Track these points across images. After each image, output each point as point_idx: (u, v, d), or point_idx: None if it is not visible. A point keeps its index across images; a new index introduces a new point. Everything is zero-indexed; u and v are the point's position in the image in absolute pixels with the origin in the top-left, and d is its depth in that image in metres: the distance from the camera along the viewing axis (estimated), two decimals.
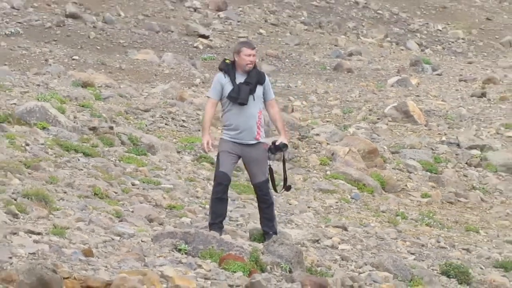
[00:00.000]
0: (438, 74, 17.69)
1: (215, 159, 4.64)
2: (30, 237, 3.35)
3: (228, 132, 4.34)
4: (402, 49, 20.90)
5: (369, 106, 13.35)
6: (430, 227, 7.25)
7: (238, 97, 4.20)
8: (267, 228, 4.41)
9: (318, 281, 3.50)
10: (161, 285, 2.84)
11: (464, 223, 7.87)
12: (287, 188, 4.70)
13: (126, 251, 3.54)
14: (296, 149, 9.23)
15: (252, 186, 4.72)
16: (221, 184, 4.34)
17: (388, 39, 21.33)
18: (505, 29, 23.26)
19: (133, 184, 6.17)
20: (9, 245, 3.03)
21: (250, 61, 4.29)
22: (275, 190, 4.61)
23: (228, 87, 4.24)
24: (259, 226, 4.61)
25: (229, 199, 4.66)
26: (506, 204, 9.05)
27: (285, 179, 4.64)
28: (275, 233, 4.38)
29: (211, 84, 4.60)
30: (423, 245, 6.14)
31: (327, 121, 12.15)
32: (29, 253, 2.94)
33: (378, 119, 12.33)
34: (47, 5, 18.89)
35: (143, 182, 6.31)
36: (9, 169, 5.14)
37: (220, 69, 4.39)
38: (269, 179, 4.42)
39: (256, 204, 4.81)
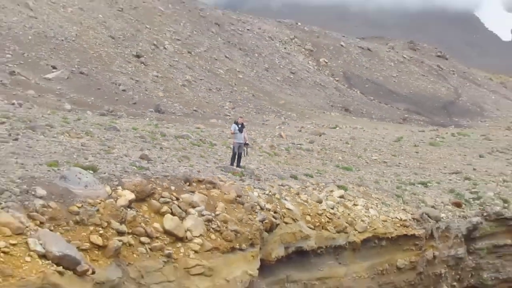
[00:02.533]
0: None
1: (232, 147, 13.96)
2: None
3: (235, 140, 13.53)
4: None
5: None
6: None
7: (239, 130, 13.52)
8: (239, 163, 13.35)
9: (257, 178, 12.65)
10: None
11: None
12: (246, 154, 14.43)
13: None
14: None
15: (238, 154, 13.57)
16: (235, 153, 13.36)
17: None
18: None
19: None
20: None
21: (241, 121, 13.85)
22: (244, 155, 13.93)
23: (236, 128, 13.35)
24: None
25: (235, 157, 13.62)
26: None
27: (239, 155, 13.65)
28: (240, 167, 13.34)
29: (231, 126, 14.23)
30: None
31: None
32: None
33: None
34: None
35: None
36: None
37: (234, 122, 13.90)
38: (244, 153, 13.86)
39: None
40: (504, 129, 32.92)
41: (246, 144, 13.34)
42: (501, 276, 14.46)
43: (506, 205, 14.79)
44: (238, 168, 12.61)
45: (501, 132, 31.43)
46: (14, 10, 30.07)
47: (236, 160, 12.91)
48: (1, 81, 21.49)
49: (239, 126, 12.88)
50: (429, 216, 13.77)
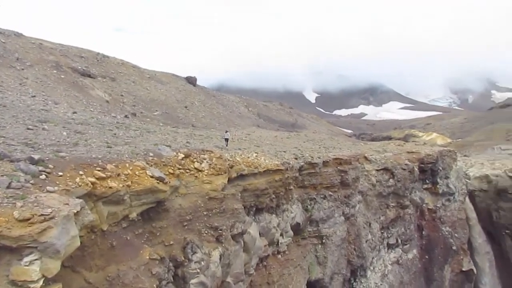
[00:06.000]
0: None
1: (224, 139, 33.70)
2: None
3: (225, 136, 33.83)
4: None
5: None
6: None
7: (226, 132, 32.88)
8: (226, 145, 31.81)
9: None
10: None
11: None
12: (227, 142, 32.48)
13: None
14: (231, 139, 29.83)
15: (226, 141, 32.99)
16: (227, 139, 32.61)
17: None
18: None
19: None
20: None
21: (227, 130, 33.04)
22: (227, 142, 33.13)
23: (226, 132, 35.40)
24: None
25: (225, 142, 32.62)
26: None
27: (227, 140, 32.70)
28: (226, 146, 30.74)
29: (225, 133, 36.83)
30: None
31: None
32: None
33: None
34: None
35: None
36: None
37: (225, 131, 36.18)
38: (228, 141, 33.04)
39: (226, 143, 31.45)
40: (312, 133, 69.15)
41: (227, 140, 31.93)
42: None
43: (311, 157, 33.78)
44: (226, 147, 29.90)
45: (311, 134, 65.27)
46: None
47: (226, 143, 30.99)
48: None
49: (226, 132, 32.51)
50: (287, 162, 31.62)
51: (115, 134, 28.00)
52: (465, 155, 72.72)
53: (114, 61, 72.59)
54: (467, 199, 56.65)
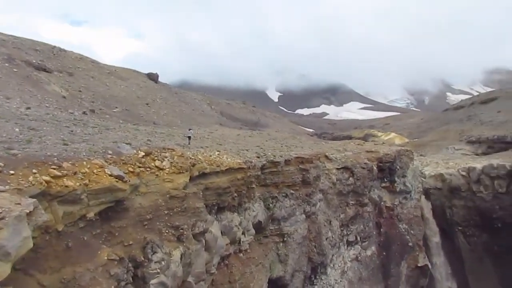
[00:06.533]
0: None
1: (187, 136, 31.92)
2: None
3: (189, 134, 32.26)
4: None
5: None
6: None
7: (190, 131, 31.40)
8: (189, 143, 30.61)
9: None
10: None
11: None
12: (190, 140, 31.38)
13: None
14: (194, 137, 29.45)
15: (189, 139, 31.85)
16: (190, 137, 31.15)
17: None
18: None
19: None
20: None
21: (190, 128, 31.28)
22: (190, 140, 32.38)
23: (190, 130, 34.46)
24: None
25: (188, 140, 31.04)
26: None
27: (190, 138, 31.07)
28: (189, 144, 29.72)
29: (188, 130, 35.08)
30: None
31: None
32: None
33: None
34: None
35: None
36: None
37: (189, 129, 34.83)
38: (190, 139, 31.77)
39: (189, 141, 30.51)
40: (274, 132, 69.14)
41: (189, 137, 31.55)
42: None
43: (273, 156, 34.03)
44: (188, 145, 29.26)
45: (274, 133, 64.95)
46: None
47: (188, 141, 30.58)
48: None
49: (189, 130, 32.29)
50: (249, 161, 31.59)
51: (72, 131, 27.06)
52: (421, 155, 75.24)
53: (72, 55, 70.28)
54: (422, 197, 58.66)
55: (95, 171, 18.43)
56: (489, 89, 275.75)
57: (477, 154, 76.28)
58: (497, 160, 58.83)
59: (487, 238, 57.43)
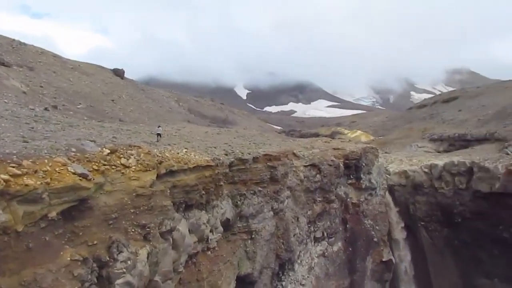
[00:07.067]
0: None
1: (156, 134, 30.73)
2: None
3: (158, 131, 31.05)
4: None
5: None
6: None
7: (159, 128, 30.62)
8: (158, 140, 30.72)
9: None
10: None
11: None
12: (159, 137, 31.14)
13: None
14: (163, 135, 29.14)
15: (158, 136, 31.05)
16: (159, 135, 29.24)
17: None
18: None
19: None
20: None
21: (159, 125, 30.70)
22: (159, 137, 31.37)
23: (159, 127, 33.80)
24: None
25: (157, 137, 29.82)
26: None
27: (159, 135, 30.97)
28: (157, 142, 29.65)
29: (158, 127, 34.47)
30: None
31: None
32: None
33: None
34: None
35: None
36: None
37: (158, 126, 34.38)
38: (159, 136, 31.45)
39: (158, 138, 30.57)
40: (243, 129, 70.82)
41: (159, 134, 31.63)
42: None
43: (241, 153, 34.49)
44: (157, 142, 29.31)
45: (242, 130, 65.93)
46: None
47: (157, 138, 30.61)
48: None
49: (159, 127, 32.28)
50: (217, 158, 31.46)
51: (32, 128, 26.13)
52: (386, 152, 76.99)
53: (33, 49, 67.88)
54: (387, 193, 60.07)
55: (57, 169, 17.87)
56: (450, 89, 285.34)
57: (439, 152, 78.69)
58: (457, 157, 60.88)
59: (448, 233, 59.42)
